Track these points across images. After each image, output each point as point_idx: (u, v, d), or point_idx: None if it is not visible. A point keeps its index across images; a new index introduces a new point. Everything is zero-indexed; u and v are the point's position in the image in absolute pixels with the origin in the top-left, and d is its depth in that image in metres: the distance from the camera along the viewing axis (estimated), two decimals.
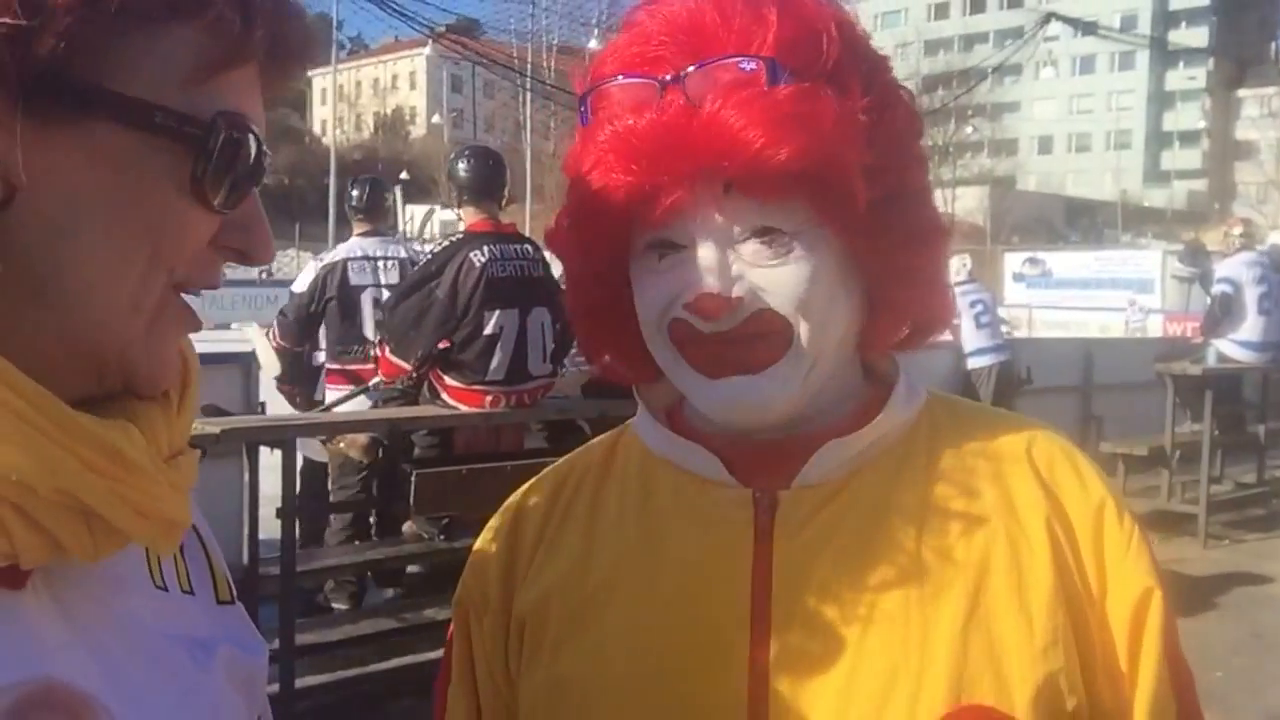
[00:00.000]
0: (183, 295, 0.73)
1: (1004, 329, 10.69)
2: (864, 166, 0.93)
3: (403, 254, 6.54)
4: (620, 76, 0.97)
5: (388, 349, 5.26)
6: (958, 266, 10.49)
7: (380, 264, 6.36)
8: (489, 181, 5.45)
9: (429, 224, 41.35)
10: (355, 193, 6.75)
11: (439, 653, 1.19)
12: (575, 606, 1.04)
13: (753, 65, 0.92)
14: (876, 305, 1.03)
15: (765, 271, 0.95)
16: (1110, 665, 0.98)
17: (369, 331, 6.10)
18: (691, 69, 0.93)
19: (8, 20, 0.60)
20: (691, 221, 0.95)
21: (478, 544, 1.16)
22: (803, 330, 0.96)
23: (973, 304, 10.01)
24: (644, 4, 1.01)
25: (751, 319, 0.96)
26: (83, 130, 0.65)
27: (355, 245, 6.48)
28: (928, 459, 1.04)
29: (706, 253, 0.95)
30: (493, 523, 1.16)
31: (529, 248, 5.34)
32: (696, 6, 0.96)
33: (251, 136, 0.71)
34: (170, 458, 0.73)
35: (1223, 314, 9.48)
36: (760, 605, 0.97)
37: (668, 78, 0.93)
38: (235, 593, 0.88)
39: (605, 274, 1.04)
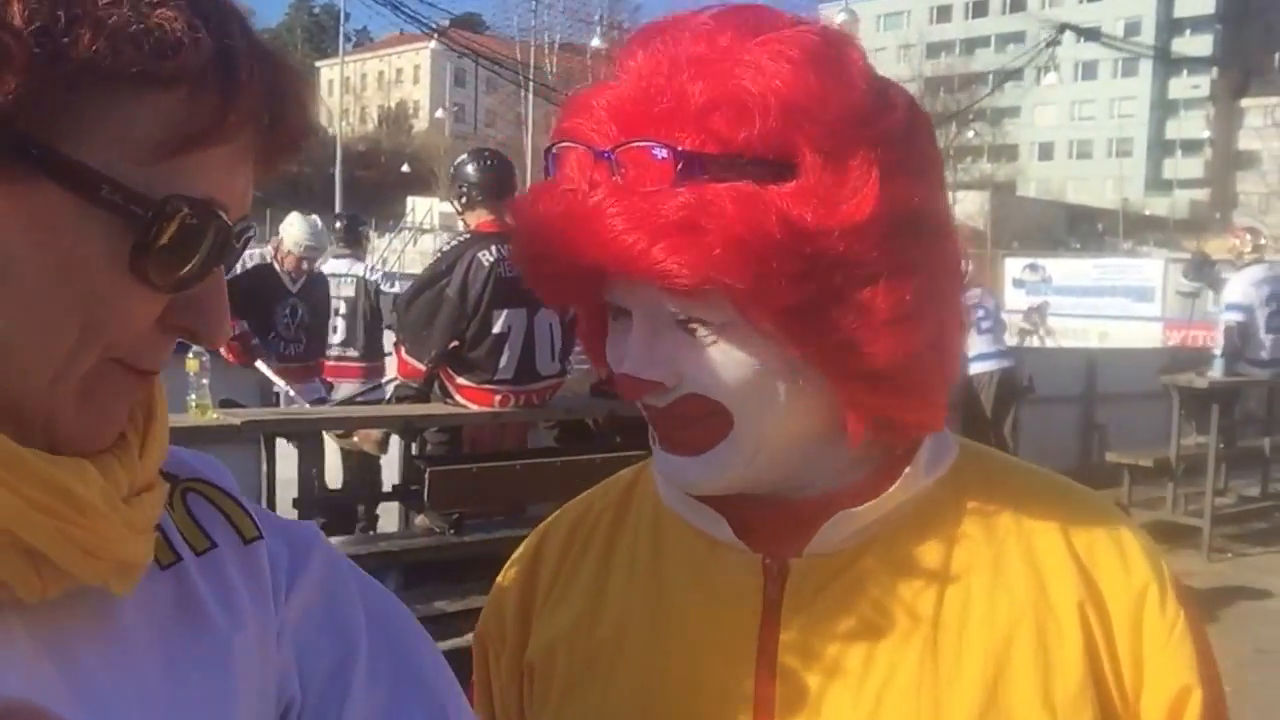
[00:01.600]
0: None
1: (1008, 335, 10.66)
2: (781, 274, 0.84)
3: (360, 273, 8.04)
4: (567, 138, 0.92)
5: (403, 350, 5.32)
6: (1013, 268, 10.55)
7: (342, 280, 7.84)
8: (499, 183, 5.47)
9: (430, 215, 41.66)
10: (338, 225, 8.54)
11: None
12: (582, 659, 1.03)
13: (663, 153, 0.85)
14: (838, 400, 0.92)
15: (691, 356, 0.91)
16: None
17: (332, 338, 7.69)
18: (618, 147, 0.88)
19: None
20: (625, 294, 0.92)
21: (499, 579, 1.15)
22: (740, 417, 0.92)
23: (974, 309, 10.01)
24: (623, 51, 0.95)
25: (679, 401, 0.93)
26: (24, 188, 0.61)
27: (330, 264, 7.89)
28: (952, 528, 0.97)
29: (636, 332, 0.92)
30: (515, 557, 1.15)
31: None
32: (635, 74, 0.91)
33: (215, 222, 0.67)
34: (131, 496, 0.70)
35: (1242, 342, 9.33)
36: (764, 682, 0.95)
37: (602, 151, 0.88)
38: (262, 530, 0.84)
39: (588, 313, 1.04)
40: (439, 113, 74.49)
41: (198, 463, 0.86)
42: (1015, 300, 25.28)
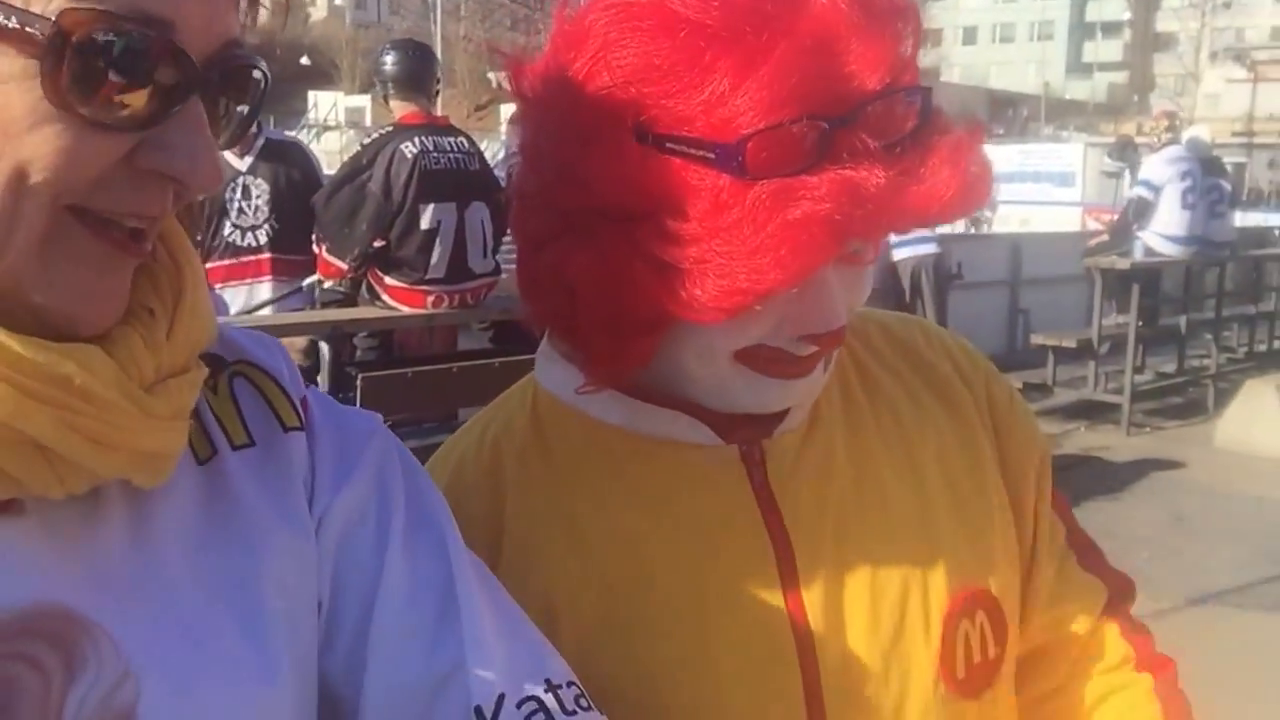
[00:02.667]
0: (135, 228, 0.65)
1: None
2: None
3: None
4: (776, 122, 0.80)
5: (324, 248, 5.10)
6: None
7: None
8: (418, 74, 5.30)
9: (334, 110, 40.38)
10: None
11: None
12: (591, 606, 0.96)
13: (915, 97, 0.85)
14: None
15: (852, 289, 0.94)
16: (1018, 506, 1.09)
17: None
18: (866, 104, 0.82)
19: None
20: (865, 243, 0.94)
21: None
22: None
23: None
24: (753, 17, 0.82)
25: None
26: None
27: None
28: (857, 377, 1.08)
29: (835, 284, 0.91)
30: None
31: (463, 140, 5.20)
32: (838, 23, 0.83)
33: (147, 40, 0.60)
34: (158, 382, 0.66)
35: (1135, 218, 9.66)
36: (782, 551, 0.98)
37: (839, 118, 0.81)
38: (297, 401, 0.80)
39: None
40: (338, 0, 71.98)
41: (249, 342, 0.82)
42: None
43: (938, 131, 0.86)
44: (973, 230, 13.60)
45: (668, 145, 0.83)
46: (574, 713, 0.79)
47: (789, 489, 1.00)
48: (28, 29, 0.57)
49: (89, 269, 0.63)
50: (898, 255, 9.90)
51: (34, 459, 0.61)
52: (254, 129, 5.53)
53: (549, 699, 0.78)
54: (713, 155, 0.82)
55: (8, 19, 0.57)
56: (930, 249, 9.90)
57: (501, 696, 0.76)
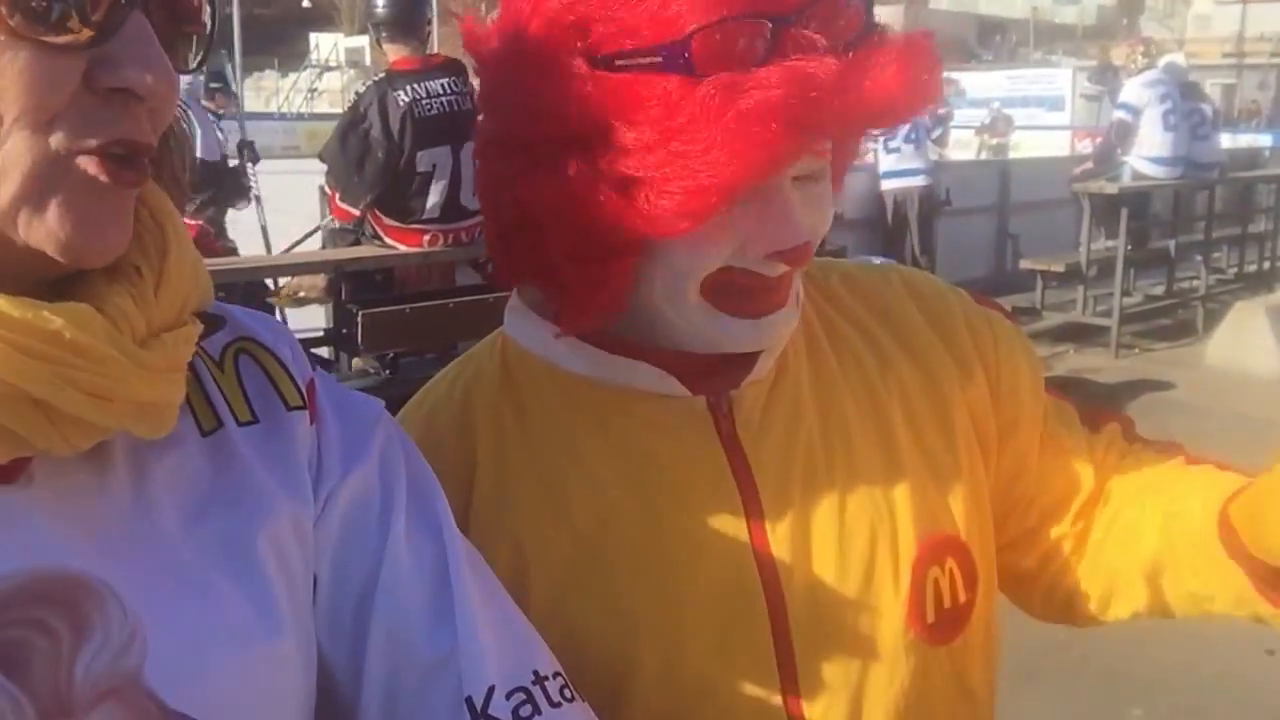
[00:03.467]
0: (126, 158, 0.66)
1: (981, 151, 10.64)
2: None
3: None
4: (729, 18, 0.83)
5: (336, 195, 5.26)
6: None
7: None
8: (408, 17, 5.30)
9: (335, 51, 40.12)
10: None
11: None
12: (561, 552, 0.98)
13: (859, 2, 0.87)
14: None
15: (814, 209, 0.94)
16: (1001, 420, 1.10)
17: None
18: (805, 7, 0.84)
19: None
20: (820, 156, 0.93)
21: None
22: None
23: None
24: None
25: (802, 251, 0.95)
26: None
27: None
28: (821, 326, 1.08)
29: (798, 198, 0.91)
30: None
31: (456, 80, 5.22)
32: None
33: None
34: (150, 337, 0.67)
35: (1118, 139, 9.69)
36: (750, 502, 0.99)
37: (786, 17, 0.83)
38: (302, 386, 0.82)
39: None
40: None
41: (254, 323, 0.84)
42: (977, 116, 25.39)
43: (885, 38, 0.87)
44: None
45: (617, 63, 0.85)
46: (559, 704, 0.81)
47: (756, 438, 1.00)
48: None
49: (83, 196, 0.64)
50: (885, 185, 9.95)
51: (35, 416, 0.62)
52: None
53: (536, 691, 0.80)
54: (660, 59, 0.83)
55: None
56: (919, 181, 9.94)
57: (491, 688, 0.79)
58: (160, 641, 0.67)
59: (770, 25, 0.82)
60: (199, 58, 0.71)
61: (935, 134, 10.86)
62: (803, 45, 0.82)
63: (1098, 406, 1.18)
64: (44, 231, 0.63)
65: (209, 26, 0.71)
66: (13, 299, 0.61)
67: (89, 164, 0.64)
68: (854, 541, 0.99)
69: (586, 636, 0.95)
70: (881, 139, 9.91)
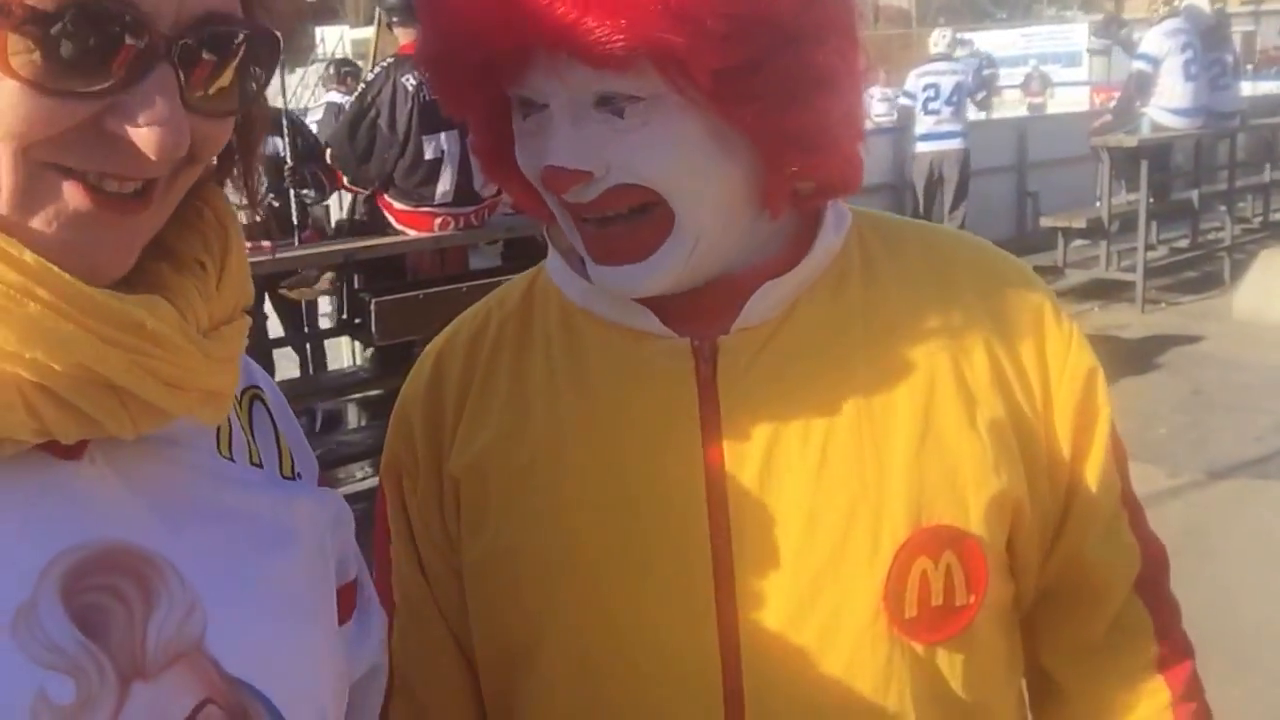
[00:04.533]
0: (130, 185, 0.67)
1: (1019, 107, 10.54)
2: (711, 35, 0.83)
3: None
4: None
5: (346, 179, 5.33)
6: (935, 40, 10.52)
7: None
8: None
9: (340, 44, 40.18)
10: None
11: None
12: (516, 473, 1.01)
13: None
14: (764, 168, 0.94)
15: (620, 140, 0.89)
16: (1055, 459, 1.01)
17: None
18: None
19: None
20: (541, 83, 0.89)
21: (398, 405, 1.11)
22: (679, 207, 0.91)
23: (925, 88, 10.00)
24: None
25: (609, 193, 0.91)
26: None
27: None
28: (863, 284, 1.02)
29: (559, 120, 0.89)
30: (410, 380, 1.12)
31: None
32: None
33: (93, 10, 0.62)
34: (212, 329, 0.72)
35: (1138, 91, 9.51)
36: (713, 455, 0.96)
37: None
38: (299, 470, 0.89)
39: (486, 118, 0.99)
40: None
41: (262, 375, 0.91)
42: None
43: None
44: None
45: None
46: None
47: (736, 389, 0.97)
48: None
49: (68, 224, 0.65)
50: (921, 148, 9.90)
51: (110, 401, 0.66)
52: None
53: None
54: None
55: None
56: (957, 144, 9.88)
57: None
58: (217, 612, 0.72)
59: None
60: (236, 99, 0.72)
61: (979, 96, 10.75)
62: None
63: (1135, 499, 1.08)
64: (47, 248, 0.64)
65: (250, 70, 0.72)
66: (96, 290, 0.64)
67: (75, 189, 0.65)
68: (826, 513, 0.94)
69: (522, 554, 0.99)
70: (922, 100, 9.89)
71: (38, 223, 0.64)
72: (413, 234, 5.30)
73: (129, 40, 0.63)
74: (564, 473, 0.99)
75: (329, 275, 5.53)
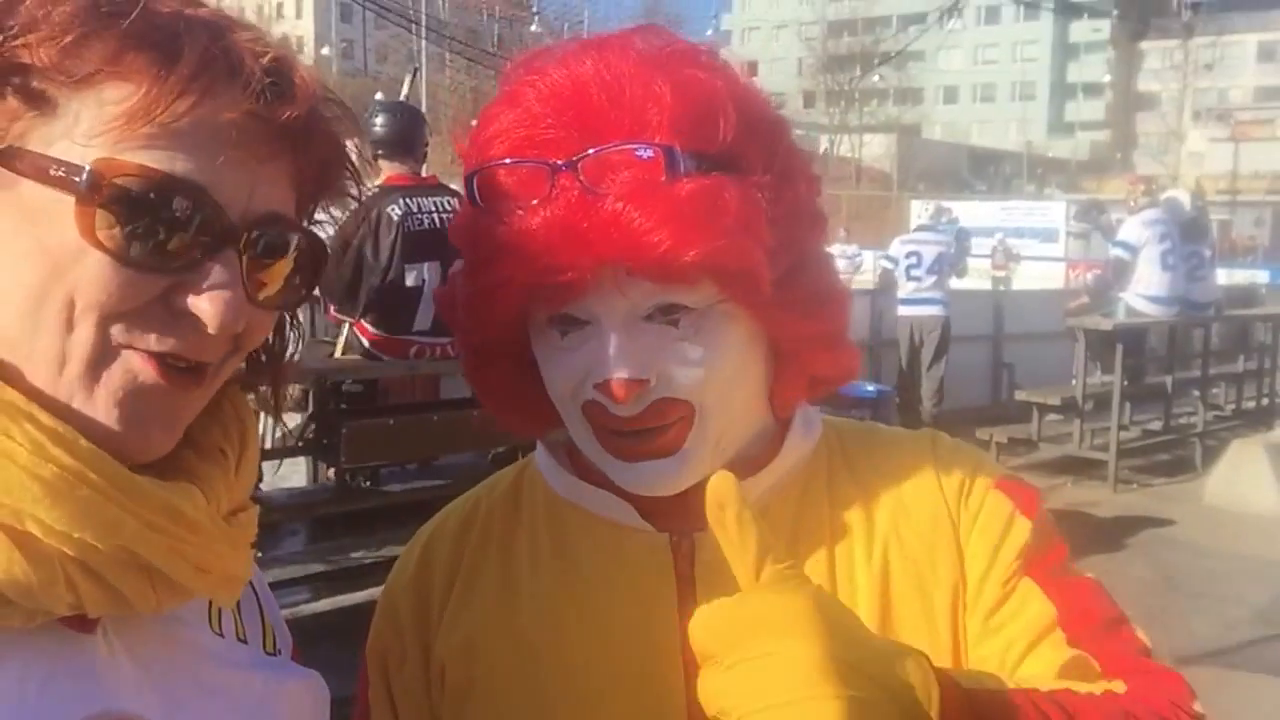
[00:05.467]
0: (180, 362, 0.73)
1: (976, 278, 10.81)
2: (768, 249, 0.92)
3: None
4: (509, 159, 0.93)
5: (332, 308, 5.37)
6: (918, 211, 10.86)
7: None
8: (407, 137, 5.49)
9: None
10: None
11: (364, 593, 1.20)
12: (504, 656, 1.03)
13: (649, 153, 0.89)
14: (782, 367, 1.03)
15: (673, 349, 0.94)
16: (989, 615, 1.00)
17: None
18: (589, 153, 0.89)
19: None
20: (595, 302, 0.93)
21: (386, 587, 1.14)
22: (706, 411, 0.97)
23: (908, 255, 10.21)
24: (524, 75, 0.96)
25: (654, 408, 0.95)
26: (9, 183, 0.69)
27: None
28: (827, 487, 1.06)
29: (614, 334, 0.93)
30: (397, 569, 1.14)
31: (449, 200, 5.34)
32: (581, 81, 0.92)
33: (178, 198, 0.70)
34: (230, 515, 0.77)
35: (1115, 277, 9.75)
36: (690, 651, 0.94)
37: (560, 163, 0.90)
38: (281, 648, 0.93)
39: (505, 344, 1.02)
40: (325, 49, 72.62)
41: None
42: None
43: (660, 187, 0.89)
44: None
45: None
46: None
47: (714, 584, 0.95)
48: (74, 179, 0.68)
49: (133, 396, 0.72)
50: (903, 312, 10.11)
51: (142, 581, 0.71)
52: None
53: None
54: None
55: (57, 169, 0.69)
56: (937, 310, 10.07)
57: None
58: None
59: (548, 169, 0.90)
60: (284, 296, 0.78)
61: (960, 265, 11.01)
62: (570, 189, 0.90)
63: (1090, 623, 1.00)
64: (90, 419, 0.70)
65: (298, 274, 0.79)
66: (147, 478, 0.70)
67: (143, 362, 0.71)
68: None
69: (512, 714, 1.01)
70: (904, 266, 10.10)
71: (104, 393, 0.71)
72: (386, 359, 5.30)
73: (204, 223, 0.71)
74: (550, 651, 1.01)
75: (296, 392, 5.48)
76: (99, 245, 0.69)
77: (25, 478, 0.66)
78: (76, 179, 0.69)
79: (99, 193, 0.68)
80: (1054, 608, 1.00)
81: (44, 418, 0.68)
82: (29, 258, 0.69)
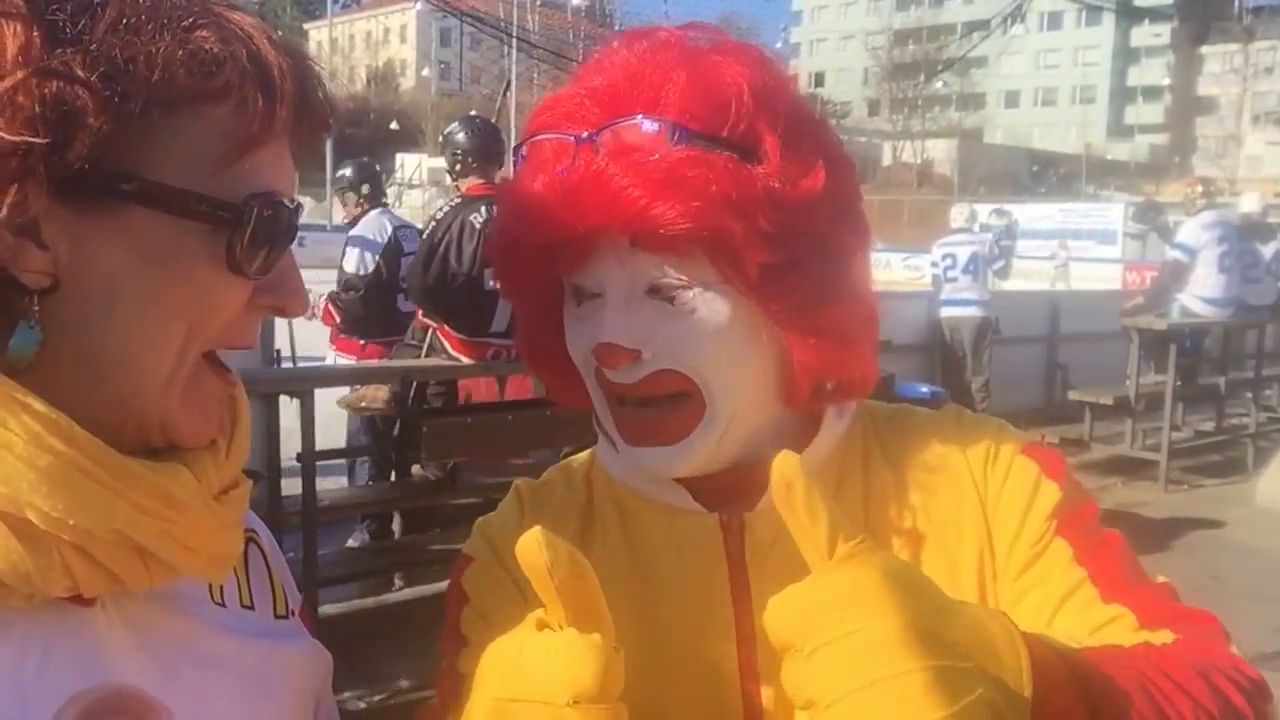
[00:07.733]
0: (216, 356, 0.80)
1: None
2: (762, 233, 0.93)
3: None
4: (546, 133, 0.99)
5: (420, 312, 5.63)
6: (954, 214, 10.81)
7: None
8: (488, 148, 5.71)
9: (419, 170, 41.59)
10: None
11: (442, 583, 1.22)
12: None
13: (654, 126, 0.93)
14: (789, 363, 1.02)
15: (668, 324, 0.97)
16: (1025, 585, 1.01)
17: None
18: (605, 127, 0.95)
19: (31, 139, 0.65)
20: (600, 271, 0.98)
21: (481, 524, 1.16)
22: (712, 395, 0.99)
23: (944, 257, 10.27)
24: (584, 64, 1.03)
25: (651, 377, 0.98)
26: (120, 217, 0.70)
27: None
28: (863, 468, 1.08)
29: (613, 304, 0.97)
30: (502, 510, 1.16)
31: None
32: (615, 66, 0.98)
33: (283, 209, 0.75)
34: (220, 494, 0.78)
35: (1173, 279, 9.69)
36: (744, 625, 1.01)
37: (584, 135, 0.96)
38: (293, 609, 0.95)
39: (546, 311, 1.06)
40: (425, 71, 73.96)
41: (257, 521, 0.97)
42: (1027, 247, 25.58)
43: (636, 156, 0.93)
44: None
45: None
46: None
47: (765, 564, 1.01)
48: (220, 213, 0.72)
49: (212, 400, 0.79)
50: (941, 313, 10.11)
51: (135, 561, 0.73)
52: None
53: None
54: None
55: (201, 205, 0.72)
56: (972, 311, 10.06)
57: None
58: None
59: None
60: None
61: (997, 266, 10.99)
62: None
63: (1124, 579, 1.02)
64: (185, 425, 0.76)
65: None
66: (139, 461, 0.73)
67: (208, 364, 0.78)
68: None
69: None
70: (942, 268, 10.10)
71: (198, 405, 0.77)
72: (465, 360, 5.52)
73: (286, 222, 0.77)
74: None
75: (385, 393, 5.74)
76: (241, 274, 0.74)
77: (22, 467, 0.67)
78: (225, 214, 0.72)
79: (247, 227, 0.73)
80: (1086, 567, 1.01)
81: (39, 406, 0.68)
82: (153, 288, 0.71)
